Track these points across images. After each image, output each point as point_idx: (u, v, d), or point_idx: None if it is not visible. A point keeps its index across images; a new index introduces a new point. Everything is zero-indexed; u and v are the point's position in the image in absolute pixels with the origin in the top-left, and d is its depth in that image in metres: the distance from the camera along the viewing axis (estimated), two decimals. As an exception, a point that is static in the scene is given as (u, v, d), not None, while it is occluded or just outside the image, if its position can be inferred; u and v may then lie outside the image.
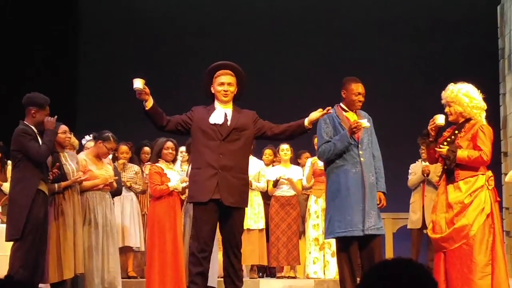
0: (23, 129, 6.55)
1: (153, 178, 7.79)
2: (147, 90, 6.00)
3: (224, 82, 6.09)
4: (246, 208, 6.38)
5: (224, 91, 6.08)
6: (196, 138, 6.10)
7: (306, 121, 6.00)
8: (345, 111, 6.49)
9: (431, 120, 6.11)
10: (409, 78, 12.19)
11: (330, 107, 6.03)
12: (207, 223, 6.01)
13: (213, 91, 6.15)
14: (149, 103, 6.02)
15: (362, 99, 6.50)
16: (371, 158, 6.44)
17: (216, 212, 6.01)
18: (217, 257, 7.77)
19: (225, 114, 6.07)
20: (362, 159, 6.34)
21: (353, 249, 6.29)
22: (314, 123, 6.09)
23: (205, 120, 6.04)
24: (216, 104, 6.13)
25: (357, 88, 6.47)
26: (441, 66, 11.67)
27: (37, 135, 6.61)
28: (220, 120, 6.02)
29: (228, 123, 6.03)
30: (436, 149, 6.05)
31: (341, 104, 6.53)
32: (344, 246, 6.31)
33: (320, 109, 5.99)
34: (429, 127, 6.12)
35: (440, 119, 6.07)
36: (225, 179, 5.95)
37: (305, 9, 12.73)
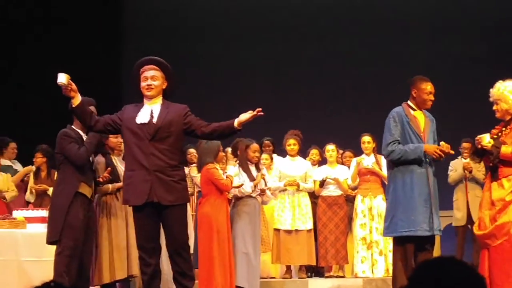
0: (65, 131, 6.61)
1: (217, 174, 7.60)
2: (74, 87, 5.81)
3: (147, 76, 5.89)
4: (187, 204, 6.18)
5: (148, 85, 5.88)
6: (127, 138, 5.90)
7: (236, 122, 5.79)
8: (413, 109, 6.42)
9: (478, 138, 6.12)
10: (459, 76, 12.13)
11: (260, 109, 5.75)
12: (143, 227, 5.87)
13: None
14: (76, 100, 5.85)
15: (433, 98, 6.42)
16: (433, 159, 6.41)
17: (154, 214, 5.84)
18: (259, 259, 7.84)
19: (151, 111, 5.87)
20: (427, 159, 6.33)
21: (410, 248, 6.27)
22: (245, 124, 5.82)
23: (133, 119, 5.85)
24: (144, 101, 5.95)
25: (429, 87, 6.38)
26: (492, 64, 11.59)
27: (82, 138, 6.61)
28: (145, 119, 5.83)
29: (154, 120, 5.83)
30: (482, 143, 6.07)
31: (409, 102, 6.45)
32: (402, 245, 6.31)
33: (250, 111, 5.78)
34: (476, 144, 6.15)
35: (486, 140, 6.07)
36: (159, 179, 5.76)
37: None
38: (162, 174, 5.77)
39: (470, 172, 9.57)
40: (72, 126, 6.67)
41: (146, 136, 5.77)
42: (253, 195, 7.86)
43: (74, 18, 11.99)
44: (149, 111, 5.87)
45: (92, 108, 6.49)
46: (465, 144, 9.79)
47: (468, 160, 9.71)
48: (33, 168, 9.36)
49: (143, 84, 5.91)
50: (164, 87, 5.96)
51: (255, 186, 7.83)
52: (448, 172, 9.75)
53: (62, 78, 5.75)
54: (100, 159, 7.28)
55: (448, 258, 2.52)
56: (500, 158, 5.96)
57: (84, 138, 6.64)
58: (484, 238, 5.94)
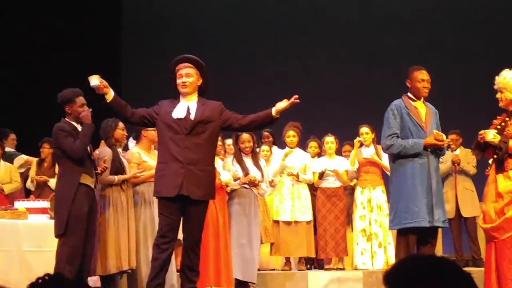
0: (59, 126, 6.62)
1: None
2: (105, 83, 5.95)
3: (182, 74, 6.05)
4: (211, 201, 6.25)
5: (182, 82, 6.03)
6: (162, 132, 6.04)
7: (274, 111, 5.89)
8: (413, 100, 6.43)
9: (481, 133, 6.00)
10: (467, 67, 12.12)
11: (297, 96, 5.84)
12: (169, 218, 5.94)
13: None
14: (109, 95, 5.98)
15: (427, 85, 6.42)
16: (436, 150, 6.41)
17: (182, 207, 5.95)
18: (256, 250, 7.85)
19: (188, 107, 6.00)
20: (428, 150, 6.32)
21: (412, 240, 6.27)
22: (282, 112, 5.92)
23: (169, 114, 5.99)
24: (180, 98, 6.10)
25: (421, 75, 6.40)
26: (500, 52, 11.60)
27: (78, 130, 6.61)
28: (182, 114, 5.97)
29: (191, 116, 5.96)
30: (486, 138, 5.95)
31: (409, 94, 6.47)
32: (405, 236, 6.30)
33: (286, 100, 5.88)
34: (479, 139, 6.02)
35: (490, 135, 5.95)
36: (192, 173, 5.87)
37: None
38: (195, 168, 5.89)
39: (458, 164, 9.58)
40: (66, 119, 6.68)
41: (183, 130, 5.92)
42: (247, 186, 7.87)
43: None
44: (186, 107, 6.02)
45: (81, 98, 6.62)
46: (452, 136, 9.76)
47: (457, 151, 9.72)
48: (35, 160, 9.37)
49: (178, 81, 6.07)
50: (199, 83, 6.11)
51: (242, 183, 7.82)
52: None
53: (95, 81, 5.88)
54: (106, 150, 7.23)
55: (426, 256, 2.49)
56: (510, 153, 5.86)
57: (80, 129, 6.63)
58: (491, 231, 5.87)
